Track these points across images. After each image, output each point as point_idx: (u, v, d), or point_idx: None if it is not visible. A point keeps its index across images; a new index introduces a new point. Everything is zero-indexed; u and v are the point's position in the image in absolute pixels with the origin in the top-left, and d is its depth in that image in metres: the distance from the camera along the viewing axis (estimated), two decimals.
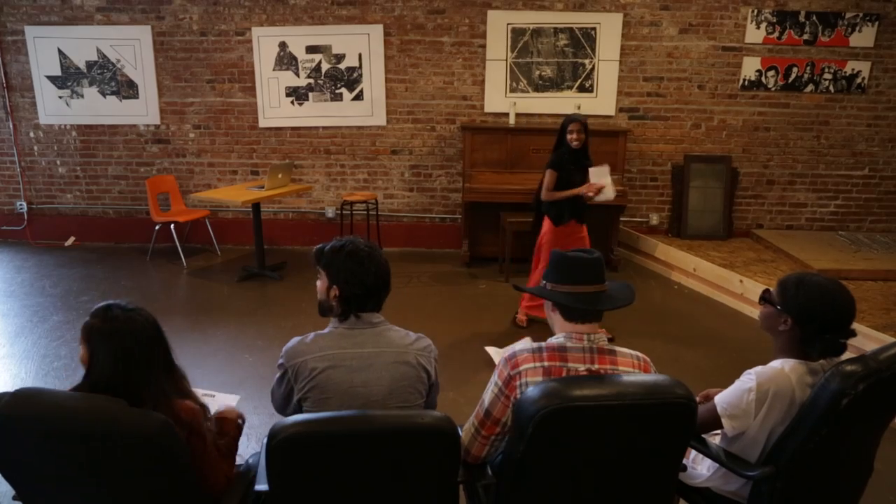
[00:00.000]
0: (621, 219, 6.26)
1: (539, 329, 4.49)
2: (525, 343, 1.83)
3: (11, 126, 6.54)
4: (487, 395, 1.83)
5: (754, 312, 4.74)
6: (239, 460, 2.00)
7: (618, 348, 1.82)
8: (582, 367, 1.75)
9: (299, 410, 1.87)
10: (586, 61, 6.20)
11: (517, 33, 6.15)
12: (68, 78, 6.40)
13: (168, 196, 6.43)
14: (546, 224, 4.30)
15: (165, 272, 5.90)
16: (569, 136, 4.12)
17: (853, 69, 6.15)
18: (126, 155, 6.62)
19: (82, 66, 6.37)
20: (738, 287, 5.12)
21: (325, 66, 6.29)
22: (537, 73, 6.24)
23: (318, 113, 6.41)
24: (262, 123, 6.46)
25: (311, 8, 6.15)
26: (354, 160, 6.54)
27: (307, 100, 6.38)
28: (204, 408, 1.81)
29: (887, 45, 6.10)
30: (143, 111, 6.47)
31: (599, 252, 1.92)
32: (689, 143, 6.39)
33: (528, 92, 6.28)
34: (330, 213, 6.68)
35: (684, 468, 2.01)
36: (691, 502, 2.08)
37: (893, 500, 2.78)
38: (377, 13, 6.14)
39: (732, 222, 6.51)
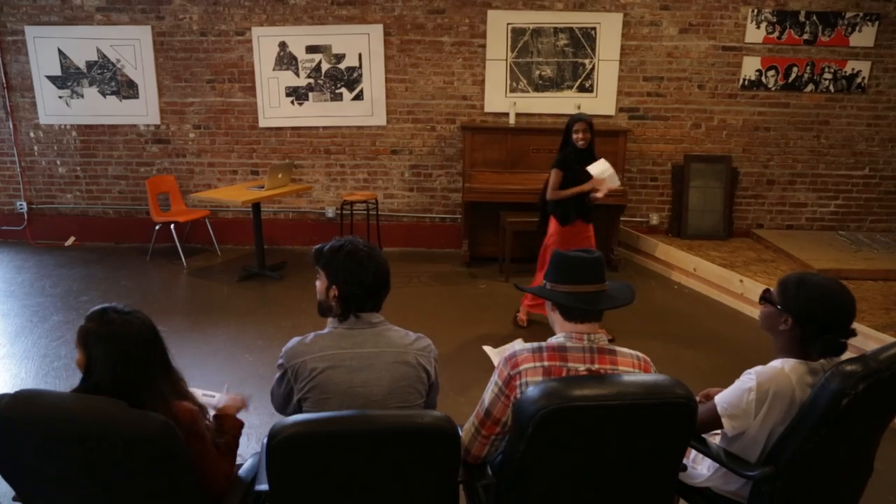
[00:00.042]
0: (621, 219, 6.27)
1: (539, 329, 4.49)
2: (518, 345, 1.83)
3: (11, 126, 6.54)
4: (487, 395, 1.83)
5: (754, 312, 4.74)
6: (239, 460, 2.00)
7: (618, 348, 1.82)
8: (582, 367, 1.75)
9: (299, 410, 1.86)
10: (586, 61, 6.20)
11: (517, 33, 6.15)
12: (68, 78, 6.40)
13: (168, 196, 6.43)
14: (553, 224, 4.29)
15: (165, 272, 5.90)
16: (574, 136, 4.12)
17: (853, 69, 6.15)
18: (126, 155, 6.62)
19: (82, 66, 6.37)
20: (738, 287, 5.12)
21: (325, 66, 6.29)
22: (537, 72, 6.24)
23: (318, 113, 6.41)
24: (262, 123, 6.46)
25: (311, 8, 6.15)
26: (354, 160, 6.54)
27: (307, 100, 6.38)
28: (202, 408, 1.81)
29: (887, 45, 6.10)
30: (143, 111, 6.47)
31: (600, 252, 1.92)
32: (689, 142, 6.39)
33: (528, 92, 6.28)
34: (330, 212, 6.68)
35: (684, 468, 2.01)
36: (691, 502, 2.08)
37: (893, 500, 2.78)
38: (377, 13, 6.14)
39: (732, 222, 6.51)
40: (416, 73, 6.27)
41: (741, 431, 1.87)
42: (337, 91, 6.35)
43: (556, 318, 1.86)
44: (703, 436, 1.96)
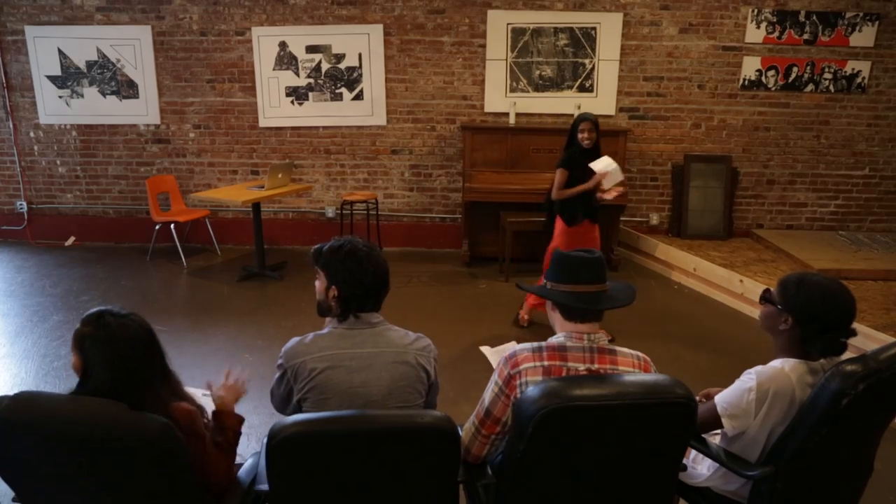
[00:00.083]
0: (621, 219, 6.27)
1: (540, 330, 4.49)
2: (511, 346, 1.84)
3: (11, 126, 6.54)
4: (488, 395, 1.83)
5: (754, 312, 4.74)
6: (239, 459, 2.00)
7: (618, 348, 1.82)
8: (582, 367, 1.75)
9: (299, 410, 1.86)
10: (586, 61, 6.20)
11: (517, 33, 6.15)
12: (68, 78, 6.40)
13: (168, 196, 6.43)
14: (559, 225, 4.26)
15: (165, 272, 5.90)
16: (580, 136, 4.12)
17: (853, 69, 6.15)
18: (126, 155, 6.62)
19: (82, 65, 6.37)
20: (738, 287, 5.12)
21: (325, 66, 6.29)
22: (537, 72, 6.24)
23: (318, 113, 6.41)
24: (262, 123, 6.46)
25: (311, 8, 6.15)
26: (354, 160, 6.54)
27: (307, 99, 6.38)
28: (201, 408, 1.81)
29: (887, 45, 6.10)
30: (143, 111, 6.47)
31: (601, 252, 1.92)
32: (689, 142, 6.39)
33: (528, 92, 6.28)
34: (330, 212, 6.68)
35: (684, 468, 2.01)
36: (691, 502, 2.08)
37: (893, 500, 2.78)
38: (377, 13, 6.14)
39: (732, 222, 6.51)
40: (416, 73, 6.27)
41: (741, 431, 1.87)
42: (337, 91, 6.35)
43: (556, 318, 1.86)
44: (703, 436, 1.96)
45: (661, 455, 1.70)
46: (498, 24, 6.11)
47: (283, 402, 1.94)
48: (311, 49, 6.25)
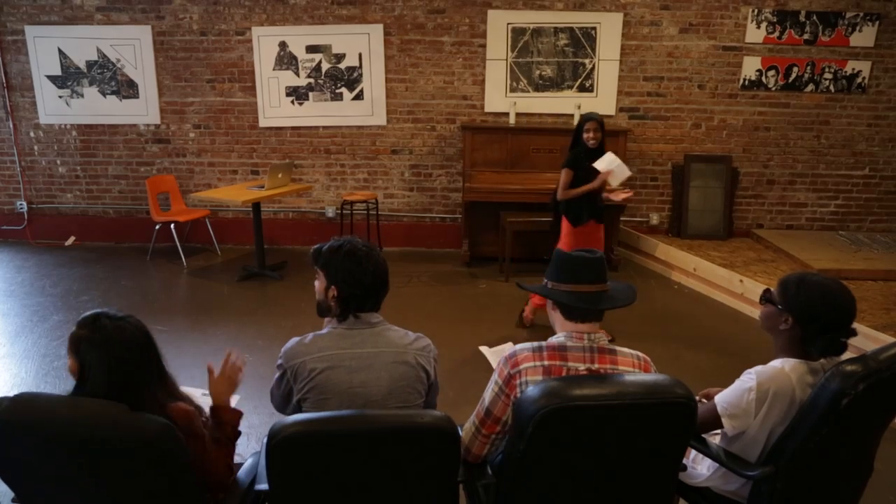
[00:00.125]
0: (621, 218, 6.27)
1: (543, 332, 4.48)
2: (508, 347, 1.84)
3: (11, 126, 6.54)
4: (488, 394, 1.83)
5: (754, 312, 4.74)
6: (239, 459, 2.00)
7: (618, 348, 1.82)
8: (582, 367, 1.75)
9: (299, 411, 1.86)
10: (586, 61, 6.20)
11: (517, 33, 6.15)
12: (68, 77, 6.40)
13: (168, 196, 6.43)
14: (565, 225, 4.25)
15: (165, 272, 5.90)
16: (585, 136, 4.11)
17: (853, 69, 6.15)
18: (126, 155, 6.62)
19: (82, 65, 6.37)
20: (738, 287, 5.12)
21: (325, 66, 6.29)
22: (537, 72, 6.24)
23: (318, 113, 6.41)
24: (263, 123, 6.46)
25: (311, 8, 6.15)
26: (354, 160, 6.54)
27: (307, 99, 6.38)
28: (198, 408, 1.81)
29: (888, 45, 6.10)
30: (144, 111, 6.47)
31: (601, 252, 1.93)
32: (690, 142, 6.39)
33: (528, 91, 6.28)
34: (330, 212, 6.68)
35: (684, 468, 2.01)
36: (691, 502, 2.08)
37: (893, 500, 2.78)
38: (377, 13, 6.14)
39: (732, 222, 6.51)
40: (417, 73, 6.27)
41: (741, 431, 1.87)
42: (337, 91, 6.35)
43: (556, 318, 1.86)
44: (703, 435, 1.96)
45: (661, 455, 1.70)
46: (498, 23, 6.11)
47: (283, 402, 1.94)
48: (311, 49, 6.25)
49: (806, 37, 6.08)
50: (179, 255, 6.07)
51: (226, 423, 1.89)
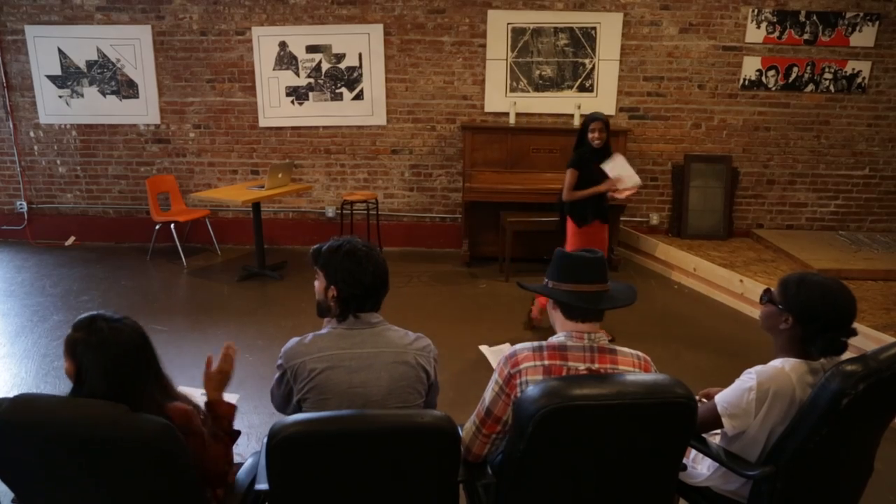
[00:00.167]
0: (621, 218, 6.27)
1: (542, 332, 4.49)
2: (508, 347, 1.84)
3: (11, 126, 6.54)
4: (488, 394, 1.83)
5: (754, 312, 4.74)
6: (239, 459, 2.00)
7: (618, 347, 1.82)
8: (582, 366, 1.75)
9: (299, 411, 1.86)
10: (586, 61, 6.20)
11: (517, 33, 6.15)
12: (68, 77, 6.40)
13: (168, 196, 6.43)
14: (570, 226, 4.23)
15: (165, 272, 5.90)
16: (590, 136, 4.09)
17: (853, 69, 6.15)
18: (126, 154, 6.62)
19: (82, 65, 6.37)
20: (738, 287, 5.12)
21: (325, 66, 6.29)
22: (537, 72, 6.24)
23: (319, 112, 6.41)
24: (263, 123, 6.46)
25: (311, 7, 6.15)
26: (354, 160, 6.54)
27: (307, 99, 6.38)
28: (196, 406, 1.81)
29: (888, 45, 6.10)
30: (143, 111, 6.47)
31: (602, 252, 1.93)
32: (690, 142, 6.39)
33: (528, 91, 6.28)
34: (330, 212, 6.68)
35: (684, 467, 2.01)
36: (691, 502, 2.08)
37: (893, 500, 2.78)
38: (377, 13, 6.14)
39: (732, 222, 6.51)
40: (417, 73, 6.27)
41: (741, 431, 1.87)
42: (337, 91, 6.35)
43: (557, 317, 1.86)
44: (703, 435, 1.96)
45: (661, 455, 1.70)
46: (498, 23, 6.11)
47: (284, 402, 1.94)
48: (311, 49, 6.25)
49: (806, 37, 6.08)
50: (179, 255, 6.07)
51: (222, 417, 1.89)
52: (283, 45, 6.24)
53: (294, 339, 1.90)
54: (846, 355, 1.86)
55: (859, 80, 6.17)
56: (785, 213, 6.57)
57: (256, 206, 5.57)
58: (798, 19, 6.04)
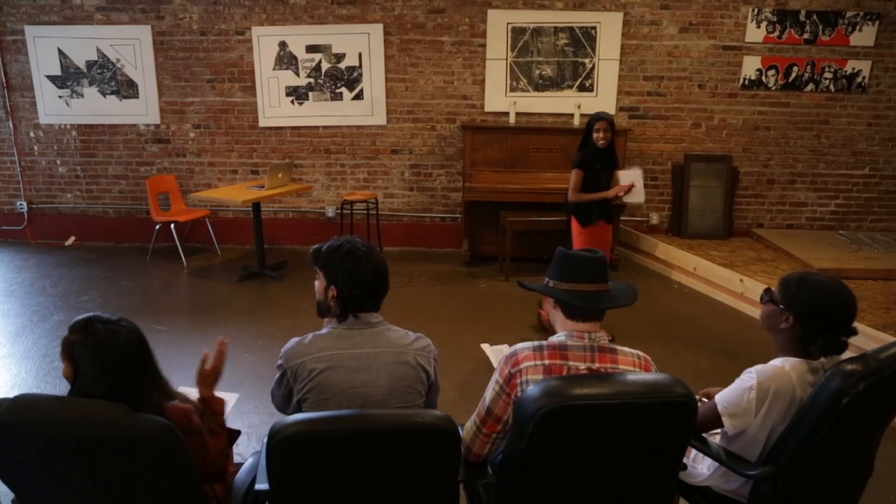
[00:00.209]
0: (621, 218, 6.27)
1: (543, 333, 4.49)
2: (507, 347, 1.84)
3: (11, 126, 6.54)
4: (489, 393, 1.83)
5: (754, 312, 4.74)
6: (239, 459, 2.00)
7: (618, 347, 1.82)
8: (582, 366, 1.75)
9: (299, 411, 1.86)
10: (586, 60, 6.20)
11: (517, 32, 6.15)
12: (68, 77, 6.40)
13: (168, 196, 6.43)
14: (575, 226, 4.23)
15: (165, 272, 5.90)
16: (595, 136, 4.09)
17: (854, 68, 6.15)
18: (126, 154, 6.62)
19: (82, 65, 6.37)
20: (738, 286, 5.12)
21: (325, 66, 6.29)
22: (537, 72, 6.24)
23: (318, 112, 6.41)
24: (262, 123, 6.46)
25: (311, 7, 6.15)
26: (354, 159, 6.54)
27: (307, 99, 6.38)
28: (194, 405, 1.81)
29: (888, 45, 6.10)
30: (143, 111, 6.47)
31: (603, 251, 1.93)
32: (690, 142, 6.39)
33: (528, 91, 6.28)
34: (330, 212, 6.68)
35: (684, 467, 2.01)
36: (691, 501, 2.08)
37: (893, 500, 2.78)
38: (377, 12, 6.14)
39: (733, 221, 6.51)
40: (417, 73, 6.27)
41: (741, 430, 1.87)
42: (337, 91, 6.35)
43: (557, 316, 1.86)
44: (704, 435, 1.96)
45: (662, 454, 1.70)
46: (498, 23, 6.11)
47: (284, 402, 1.94)
48: (311, 49, 6.25)
49: (806, 36, 6.08)
50: (179, 255, 6.07)
51: (217, 412, 1.90)
52: (282, 44, 6.24)
53: (294, 340, 1.90)
54: (846, 354, 1.86)
55: (859, 79, 6.17)
56: (785, 213, 6.57)
57: (256, 205, 5.57)
58: (798, 19, 6.04)
